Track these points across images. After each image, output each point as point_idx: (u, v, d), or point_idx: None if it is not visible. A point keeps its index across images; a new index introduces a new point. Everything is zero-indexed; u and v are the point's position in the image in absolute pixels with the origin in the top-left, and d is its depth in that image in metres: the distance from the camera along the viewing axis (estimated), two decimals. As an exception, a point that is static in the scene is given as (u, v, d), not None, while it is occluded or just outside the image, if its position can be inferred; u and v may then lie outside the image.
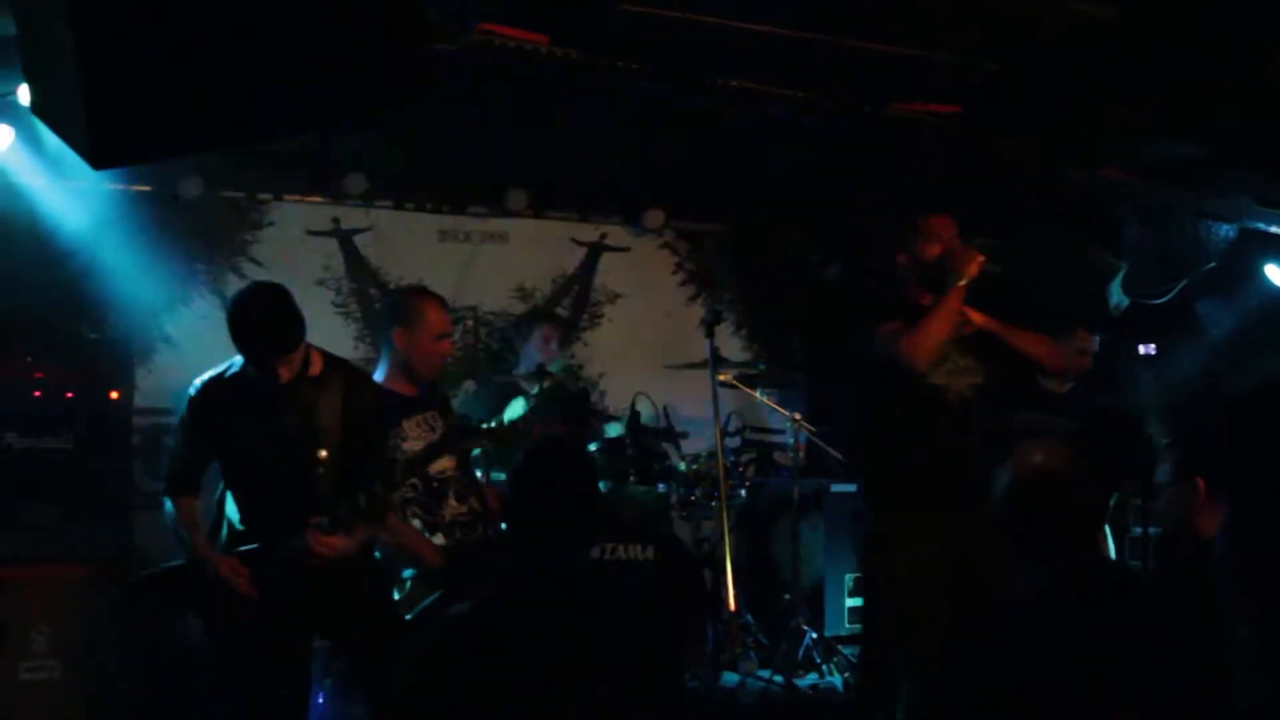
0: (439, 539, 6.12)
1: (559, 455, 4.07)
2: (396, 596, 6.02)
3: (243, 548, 5.32)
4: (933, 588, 5.58)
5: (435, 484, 6.12)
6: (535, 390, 8.03)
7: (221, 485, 5.49)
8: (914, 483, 5.82)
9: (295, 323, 5.26)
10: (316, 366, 5.42)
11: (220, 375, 5.43)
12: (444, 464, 6.12)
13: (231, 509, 5.41)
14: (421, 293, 6.54)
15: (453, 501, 6.20)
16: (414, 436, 6.14)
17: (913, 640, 5.51)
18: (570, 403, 8.10)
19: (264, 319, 5.27)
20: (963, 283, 5.77)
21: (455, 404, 8.53)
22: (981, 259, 5.79)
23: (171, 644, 7.07)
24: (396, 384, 6.23)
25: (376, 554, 5.89)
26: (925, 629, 5.41)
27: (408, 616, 5.88)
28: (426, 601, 5.92)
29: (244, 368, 5.38)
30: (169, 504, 5.46)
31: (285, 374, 5.23)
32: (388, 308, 6.63)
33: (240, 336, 5.26)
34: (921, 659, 5.47)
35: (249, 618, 5.20)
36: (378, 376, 6.22)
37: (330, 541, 5.20)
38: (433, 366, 6.32)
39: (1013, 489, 3.84)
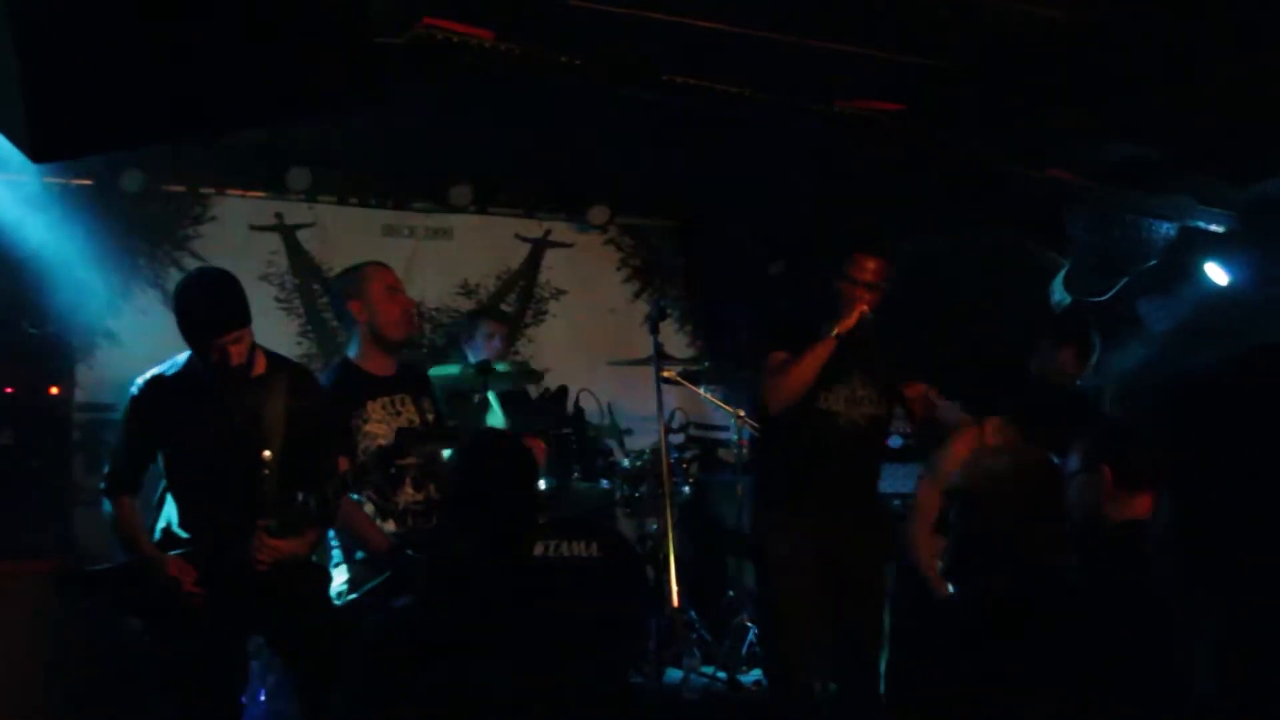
0: (390, 526, 6.08)
1: (500, 451, 4.06)
2: (347, 575, 6.00)
3: (176, 551, 5.27)
4: (807, 586, 5.91)
5: (393, 470, 6.06)
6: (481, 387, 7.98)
7: (162, 486, 5.42)
8: (797, 492, 6.06)
9: (240, 302, 5.26)
10: (260, 366, 5.38)
11: (163, 374, 5.37)
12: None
13: (171, 510, 5.35)
14: (361, 263, 6.53)
15: (409, 489, 6.15)
16: (377, 419, 6.09)
17: (788, 633, 5.90)
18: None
19: (209, 295, 5.27)
20: (835, 333, 5.96)
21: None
22: (863, 312, 5.96)
23: (109, 641, 7.02)
24: (369, 362, 6.20)
25: (334, 552, 5.88)
26: (799, 625, 5.89)
27: (353, 595, 5.85)
28: (371, 584, 5.88)
29: (187, 365, 5.34)
30: (108, 505, 5.39)
31: (235, 357, 5.18)
32: (336, 288, 6.57)
33: (185, 314, 5.22)
34: (792, 649, 5.91)
35: (192, 618, 5.16)
36: (350, 354, 6.21)
37: (277, 544, 5.19)
38: (399, 325, 6.26)
39: (961, 494, 3.85)
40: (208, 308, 5.24)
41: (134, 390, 5.37)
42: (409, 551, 5.90)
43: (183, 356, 5.36)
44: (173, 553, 5.27)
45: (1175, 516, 1.83)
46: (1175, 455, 1.83)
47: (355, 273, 6.40)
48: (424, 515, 6.18)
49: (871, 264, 6.12)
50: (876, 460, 6.33)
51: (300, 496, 5.21)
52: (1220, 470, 1.79)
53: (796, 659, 6.00)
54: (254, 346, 5.36)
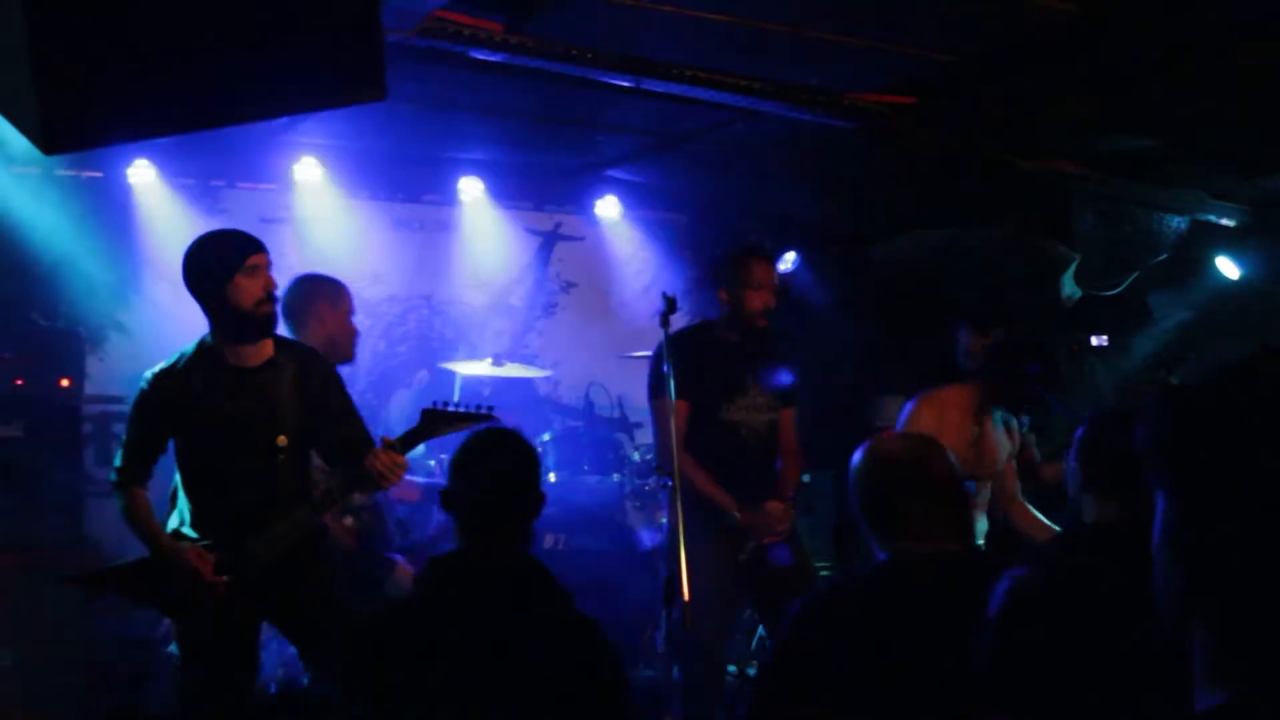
0: (349, 521, 6.17)
1: (495, 444, 4.05)
2: None
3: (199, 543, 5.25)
4: (721, 584, 6.32)
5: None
6: None
7: (173, 484, 5.39)
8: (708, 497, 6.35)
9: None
10: (268, 350, 5.35)
11: (172, 366, 5.33)
12: None
13: (183, 508, 5.31)
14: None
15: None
16: None
17: (704, 624, 6.11)
18: None
19: (224, 231, 5.38)
20: (735, 516, 6.28)
21: (408, 397, 8.54)
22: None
23: (123, 633, 7.04)
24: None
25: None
26: (714, 616, 6.26)
27: None
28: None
29: (196, 353, 5.30)
30: (121, 498, 5.33)
31: (260, 286, 5.15)
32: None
33: (209, 249, 5.24)
34: (707, 637, 6.27)
35: (210, 608, 5.14)
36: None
37: (396, 458, 5.22)
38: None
39: (863, 474, 3.84)
40: (228, 235, 5.29)
41: (143, 384, 5.32)
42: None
43: (190, 346, 5.33)
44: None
45: (1170, 521, 1.82)
46: (1171, 458, 1.82)
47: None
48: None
49: (763, 267, 6.41)
50: (775, 460, 6.61)
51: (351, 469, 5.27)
52: (1217, 475, 1.78)
53: (712, 645, 6.39)
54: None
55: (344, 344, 6.37)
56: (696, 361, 6.41)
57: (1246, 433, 1.71)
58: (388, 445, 5.25)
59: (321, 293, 6.43)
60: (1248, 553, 1.68)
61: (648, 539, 8.45)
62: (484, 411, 5.53)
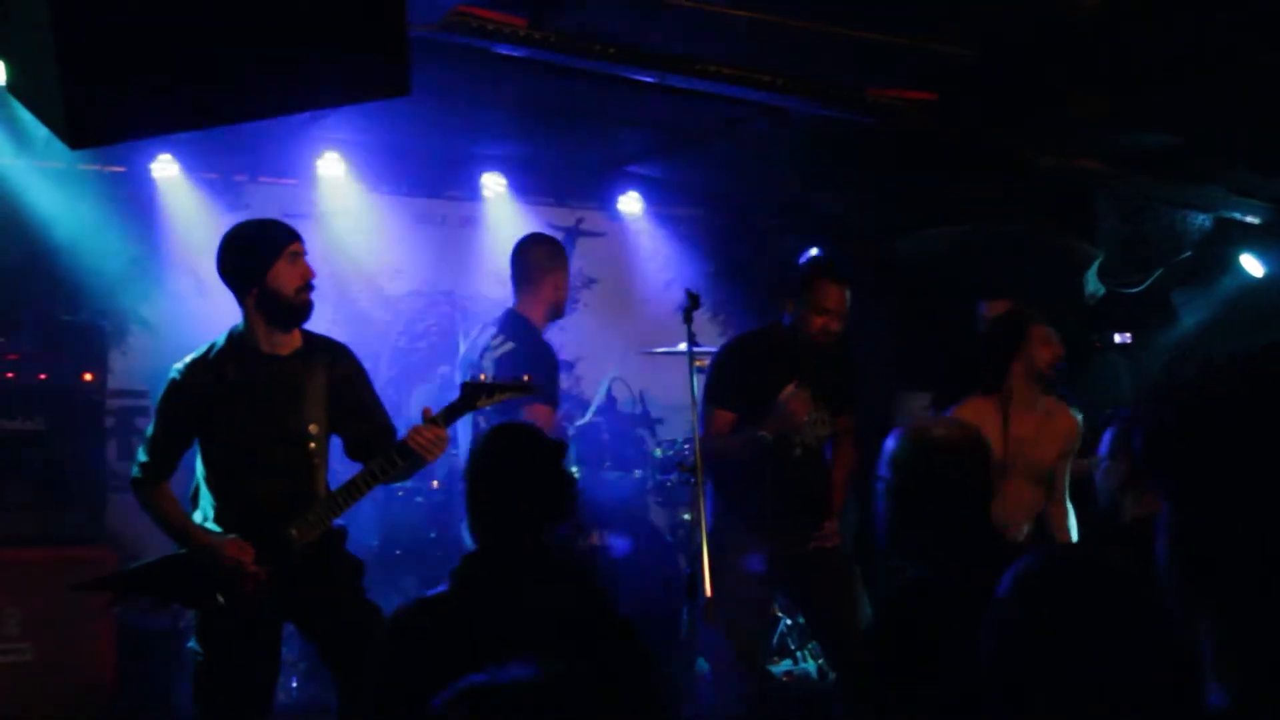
0: None
1: (516, 439, 4.04)
2: None
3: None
4: (757, 600, 6.48)
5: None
6: None
7: (194, 482, 5.36)
8: (754, 513, 6.38)
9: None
10: (297, 341, 5.36)
11: (204, 356, 5.32)
12: None
13: (206, 505, 5.29)
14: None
15: None
16: None
17: (742, 635, 6.37)
18: None
19: (262, 219, 5.48)
20: (762, 434, 6.18)
21: (429, 392, 8.54)
22: (799, 421, 6.23)
23: (146, 627, 7.05)
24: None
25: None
26: (751, 629, 6.49)
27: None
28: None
29: (227, 343, 5.30)
30: (146, 494, 5.31)
31: (301, 274, 5.22)
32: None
33: (250, 239, 5.29)
34: (746, 647, 6.41)
35: (241, 604, 5.13)
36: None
37: (439, 432, 5.23)
38: None
39: (906, 458, 3.78)
40: (268, 223, 5.39)
41: (174, 375, 5.30)
42: None
43: (220, 338, 5.34)
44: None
45: (1174, 520, 1.81)
46: (1173, 456, 1.81)
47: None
48: None
49: (834, 290, 6.26)
50: (827, 474, 6.55)
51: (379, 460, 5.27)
52: (1219, 473, 1.77)
53: (750, 654, 6.47)
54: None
55: (563, 303, 6.79)
56: (753, 371, 6.38)
57: (1249, 431, 1.69)
58: (430, 420, 5.25)
59: (555, 257, 6.78)
60: (1250, 552, 1.67)
61: (668, 536, 8.47)
62: (522, 382, 5.54)
